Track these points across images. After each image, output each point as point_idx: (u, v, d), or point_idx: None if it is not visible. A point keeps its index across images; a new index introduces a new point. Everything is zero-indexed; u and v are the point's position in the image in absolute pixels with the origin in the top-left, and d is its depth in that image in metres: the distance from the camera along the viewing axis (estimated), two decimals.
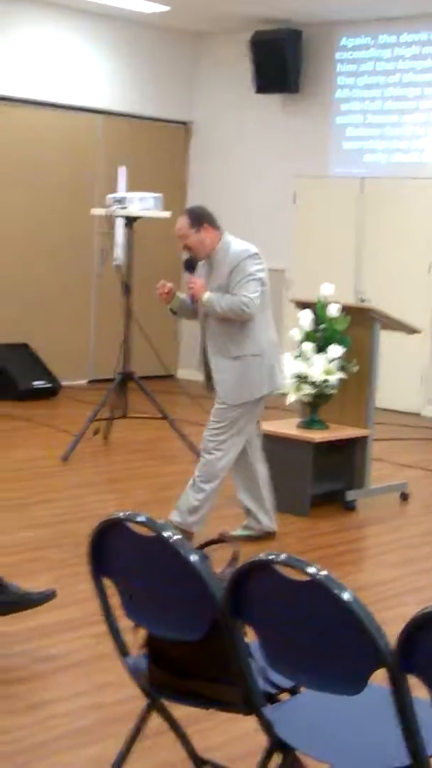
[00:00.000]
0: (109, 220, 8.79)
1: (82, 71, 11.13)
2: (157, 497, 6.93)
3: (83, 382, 11.25)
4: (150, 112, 11.72)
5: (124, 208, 8.33)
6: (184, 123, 12.13)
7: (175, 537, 2.76)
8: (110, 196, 8.52)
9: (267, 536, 6.09)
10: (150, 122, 11.77)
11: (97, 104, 11.27)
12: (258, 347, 5.82)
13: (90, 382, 11.22)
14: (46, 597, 4.40)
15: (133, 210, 8.32)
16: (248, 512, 6.10)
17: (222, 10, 10.65)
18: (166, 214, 8.62)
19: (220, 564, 2.84)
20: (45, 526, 6.17)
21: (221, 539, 2.98)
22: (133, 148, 11.40)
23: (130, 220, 8.41)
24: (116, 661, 3.14)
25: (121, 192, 9.06)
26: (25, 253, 10.85)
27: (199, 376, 11.64)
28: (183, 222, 5.78)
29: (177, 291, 6.00)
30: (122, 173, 9.64)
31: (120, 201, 8.36)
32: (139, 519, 2.86)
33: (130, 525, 2.89)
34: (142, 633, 3.00)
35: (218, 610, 2.69)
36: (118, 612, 3.01)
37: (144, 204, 8.39)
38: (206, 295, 5.74)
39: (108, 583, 3.02)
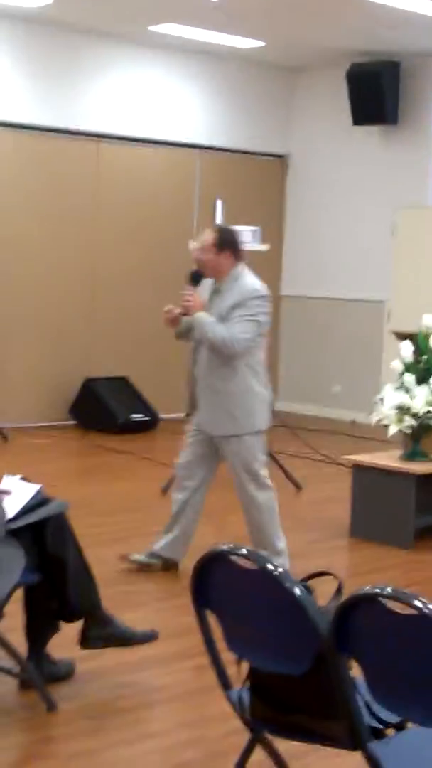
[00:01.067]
0: None
1: (179, 107, 11.25)
2: None
3: (181, 414, 11.28)
4: (247, 146, 11.79)
5: None
6: (280, 156, 12.17)
7: (279, 570, 2.74)
8: None
9: (171, 567, 5.87)
10: (247, 156, 11.83)
11: (194, 139, 11.38)
12: (244, 384, 5.67)
13: (188, 414, 11.24)
14: (148, 637, 4.39)
15: None
16: (170, 537, 5.89)
17: (318, 43, 10.68)
18: (264, 247, 8.64)
19: (323, 597, 2.81)
20: None
21: (326, 572, 2.94)
22: (230, 182, 11.47)
23: None
24: (219, 693, 3.12)
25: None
26: (124, 287, 10.96)
27: (299, 409, 11.65)
28: (209, 238, 5.66)
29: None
30: (219, 207, 9.68)
31: None
32: (242, 552, 2.85)
33: (233, 557, 2.88)
34: (245, 666, 2.98)
35: (323, 643, 2.66)
36: (221, 645, 3.00)
37: (241, 237, 8.40)
38: (200, 314, 5.62)
39: (210, 616, 3.00)
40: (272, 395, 5.88)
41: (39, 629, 4.26)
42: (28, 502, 4.15)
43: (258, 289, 5.66)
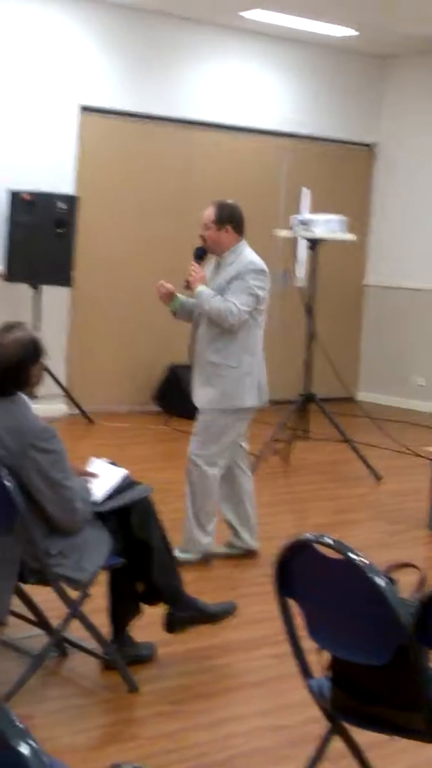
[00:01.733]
0: (292, 241, 8.81)
1: (268, 94, 11.24)
2: (335, 520, 6.91)
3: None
4: (335, 135, 11.75)
5: (309, 230, 8.36)
6: (368, 145, 12.11)
7: (364, 560, 2.76)
8: (295, 217, 8.57)
9: (249, 554, 5.95)
10: (335, 144, 11.79)
11: (283, 127, 11.37)
12: (237, 360, 5.73)
13: (270, 402, 11.26)
14: (228, 610, 4.45)
15: (318, 232, 8.35)
16: (231, 528, 5.99)
17: (410, 32, 10.60)
18: (351, 236, 8.62)
19: (406, 589, 2.83)
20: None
21: (409, 564, 2.96)
22: (318, 170, 11.44)
23: (314, 242, 8.44)
24: (298, 681, 3.15)
25: (305, 214, 9.09)
26: None
27: (382, 400, 11.59)
28: (210, 213, 5.76)
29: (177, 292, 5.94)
30: (306, 195, 9.67)
31: (305, 223, 8.40)
32: (326, 541, 2.87)
33: (317, 546, 2.90)
34: (326, 655, 3.00)
35: (405, 635, 2.68)
36: (302, 633, 3.02)
37: (328, 226, 8.41)
38: (200, 287, 5.73)
39: (292, 604, 3.03)
40: (265, 377, 5.92)
41: (122, 612, 4.34)
42: (114, 487, 4.21)
43: (256, 263, 5.75)
